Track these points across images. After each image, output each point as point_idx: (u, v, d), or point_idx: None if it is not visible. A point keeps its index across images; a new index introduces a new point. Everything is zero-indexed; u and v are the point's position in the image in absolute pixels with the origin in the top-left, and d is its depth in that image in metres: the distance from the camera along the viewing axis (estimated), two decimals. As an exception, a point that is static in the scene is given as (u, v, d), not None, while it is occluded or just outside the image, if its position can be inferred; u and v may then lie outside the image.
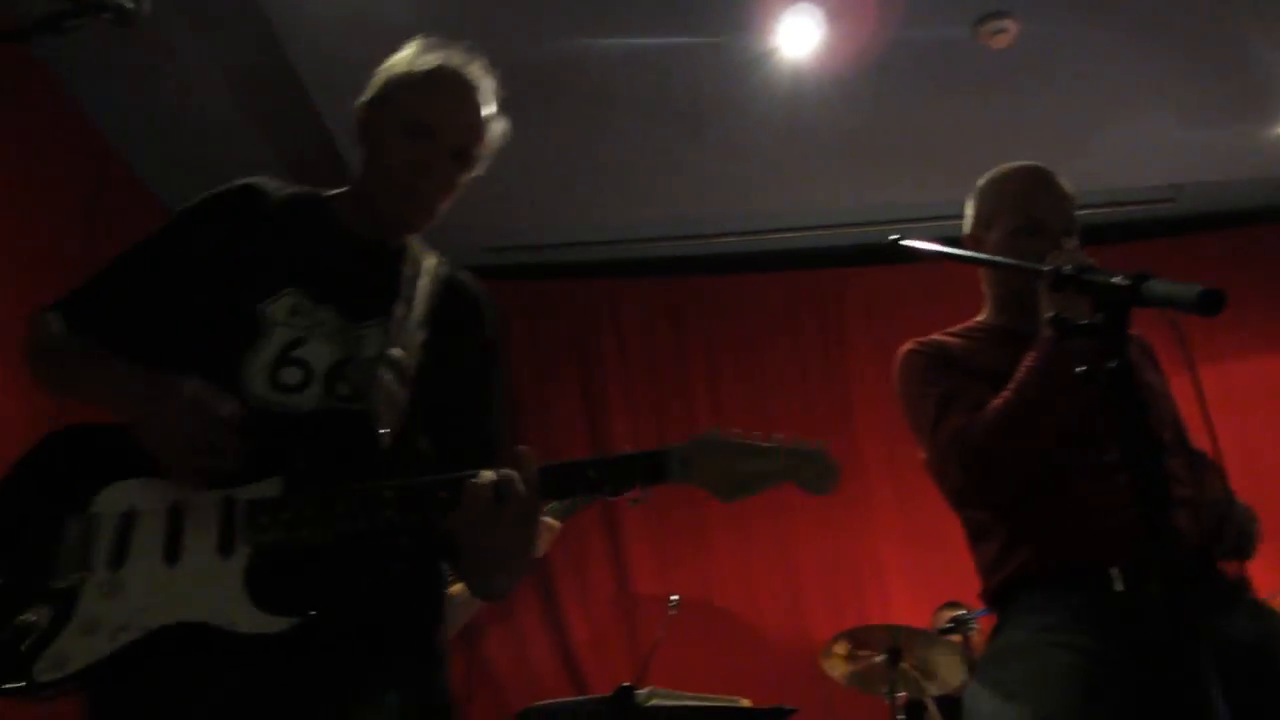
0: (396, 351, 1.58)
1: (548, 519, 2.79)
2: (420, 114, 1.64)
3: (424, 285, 1.68)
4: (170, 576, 1.39)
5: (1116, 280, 1.24)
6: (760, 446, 1.46)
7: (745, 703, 2.91)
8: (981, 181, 2.18)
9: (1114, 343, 1.23)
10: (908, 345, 2.10)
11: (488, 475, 1.38)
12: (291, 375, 1.52)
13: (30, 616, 1.38)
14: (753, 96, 4.23)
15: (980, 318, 2.18)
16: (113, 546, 1.41)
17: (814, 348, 5.16)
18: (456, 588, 2.83)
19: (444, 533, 1.43)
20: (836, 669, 3.67)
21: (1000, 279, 2.13)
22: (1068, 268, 1.36)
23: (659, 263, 5.46)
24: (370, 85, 1.72)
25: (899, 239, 1.94)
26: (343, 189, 1.74)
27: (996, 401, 1.87)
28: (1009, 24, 3.95)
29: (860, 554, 4.62)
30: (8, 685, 1.36)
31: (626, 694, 2.58)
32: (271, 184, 1.71)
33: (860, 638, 3.60)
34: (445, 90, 1.67)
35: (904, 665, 3.52)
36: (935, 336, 2.11)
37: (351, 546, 1.43)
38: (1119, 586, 1.76)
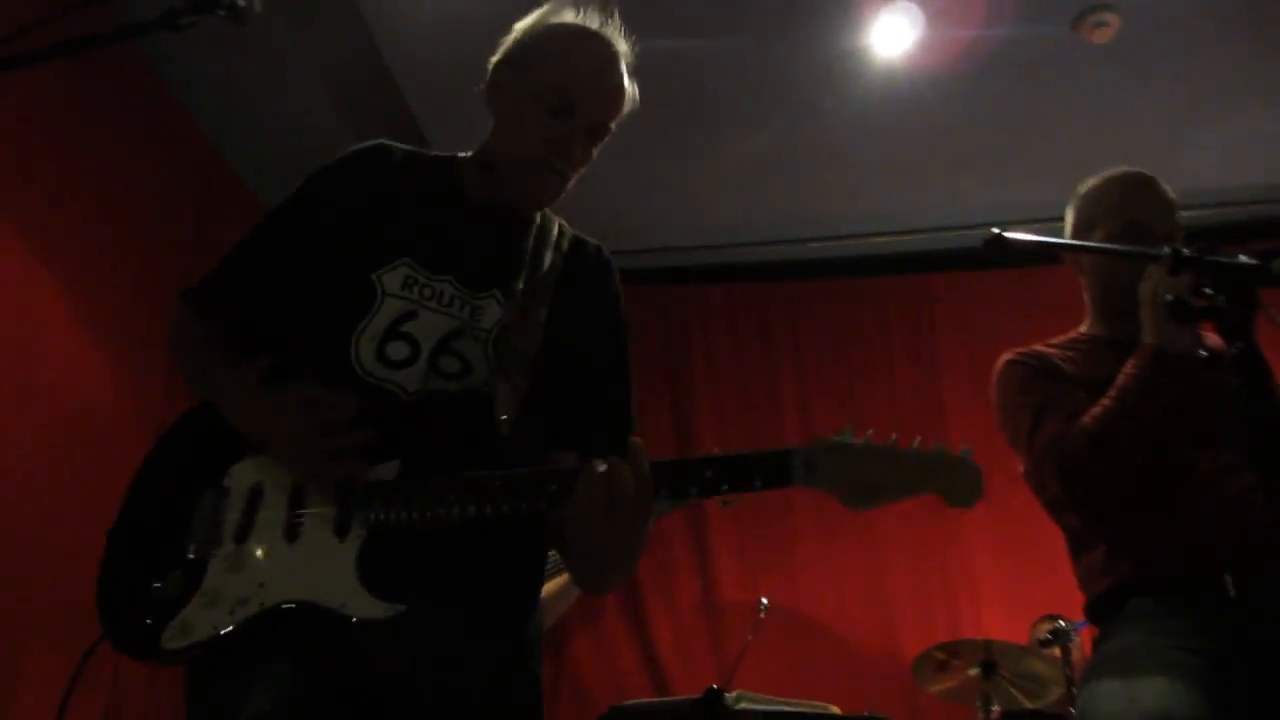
0: (521, 326, 1.54)
1: None
2: (562, 87, 1.55)
3: (548, 257, 1.63)
4: (288, 554, 1.41)
5: (1242, 259, 1.18)
6: (897, 452, 1.35)
7: (835, 710, 2.85)
8: (1081, 189, 2.14)
9: (1239, 325, 1.17)
10: (1007, 355, 2.07)
11: (600, 467, 1.32)
12: (398, 350, 1.49)
13: (163, 585, 1.42)
14: (844, 98, 4.18)
15: (1082, 329, 2.14)
16: (239, 521, 1.43)
17: (904, 354, 5.05)
18: (546, 588, 2.85)
19: (554, 524, 1.41)
20: (929, 682, 3.59)
21: (1101, 286, 2.09)
22: (1186, 250, 1.30)
23: (747, 268, 5.41)
24: (506, 43, 1.64)
25: (1000, 233, 1.90)
26: (469, 153, 1.67)
27: (1095, 409, 1.83)
28: (1110, 17, 3.82)
29: (953, 566, 4.51)
30: (141, 652, 1.41)
31: (715, 696, 2.55)
32: (400, 146, 1.68)
33: (953, 650, 3.51)
34: (588, 60, 1.58)
35: (999, 679, 3.42)
36: (1036, 347, 2.07)
37: (461, 533, 1.41)
38: (1233, 593, 1.70)
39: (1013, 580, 4.24)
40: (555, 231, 1.68)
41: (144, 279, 3.58)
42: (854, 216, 5.05)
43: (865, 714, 2.77)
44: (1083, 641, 3.21)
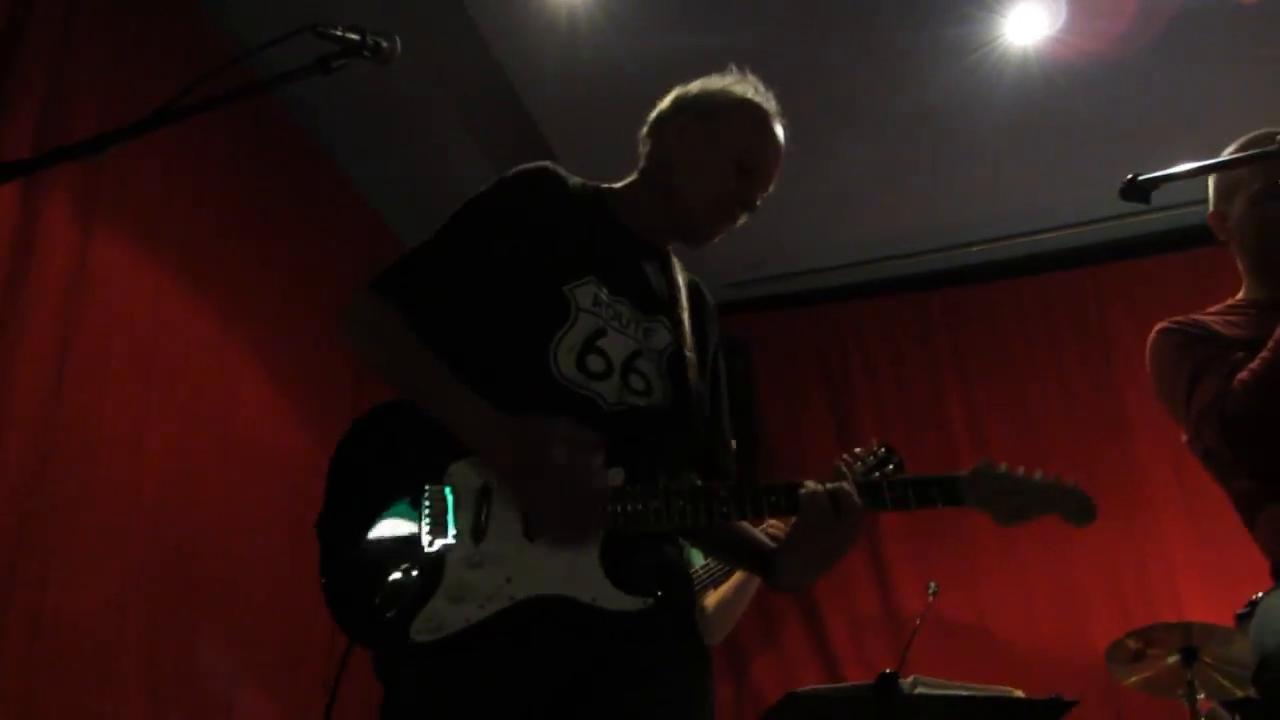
0: (690, 351, 1.72)
1: None
2: (755, 153, 1.78)
3: (683, 289, 1.81)
4: (532, 552, 1.49)
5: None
6: (1028, 482, 1.62)
7: (1018, 693, 2.75)
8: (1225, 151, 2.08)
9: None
10: (1161, 324, 2.04)
11: (816, 485, 1.54)
12: (596, 363, 1.61)
13: (401, 578, 1.48)
14: (981, 93, 4.12)
15: (1239, 295, 2.09)
16: (473, 520, 1.50)
17: (1074, 350, 4.89)
18: (711, 599, 2.88)
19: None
20: (1124, 673, 3.41)
21: (1253, 250, 2.05)
22: None
23: (901, 280, 5.36)
24: (688, 95, 1.84)
25: (1135, 176, 1.90)
26: (618, 185, 1.84)
27: (1253, 364, 1.79)
28: (1259, -28, 3.67)
29: (1146, 556, 4.33)
30: (390, 646, 1.49)
31: (890, 680, 2.51)
32: (562, 171, 1.82)
33: (1148, 637, 3.32)
34: (775, 141, 1.82)
35: (1202, 665, 3.22)
36: (1192, 315, 2.04)
37: (668, 539, 1.63)
38: None
39: (1213, 557, 4.00)
40: (677, 266, 1.86)
41: (313, 329, 3.86)
42: (1007, 215, 4.94)
43: (1051, 696, 2.66)
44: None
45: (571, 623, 1.48)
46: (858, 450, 2.89)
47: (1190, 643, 3.22)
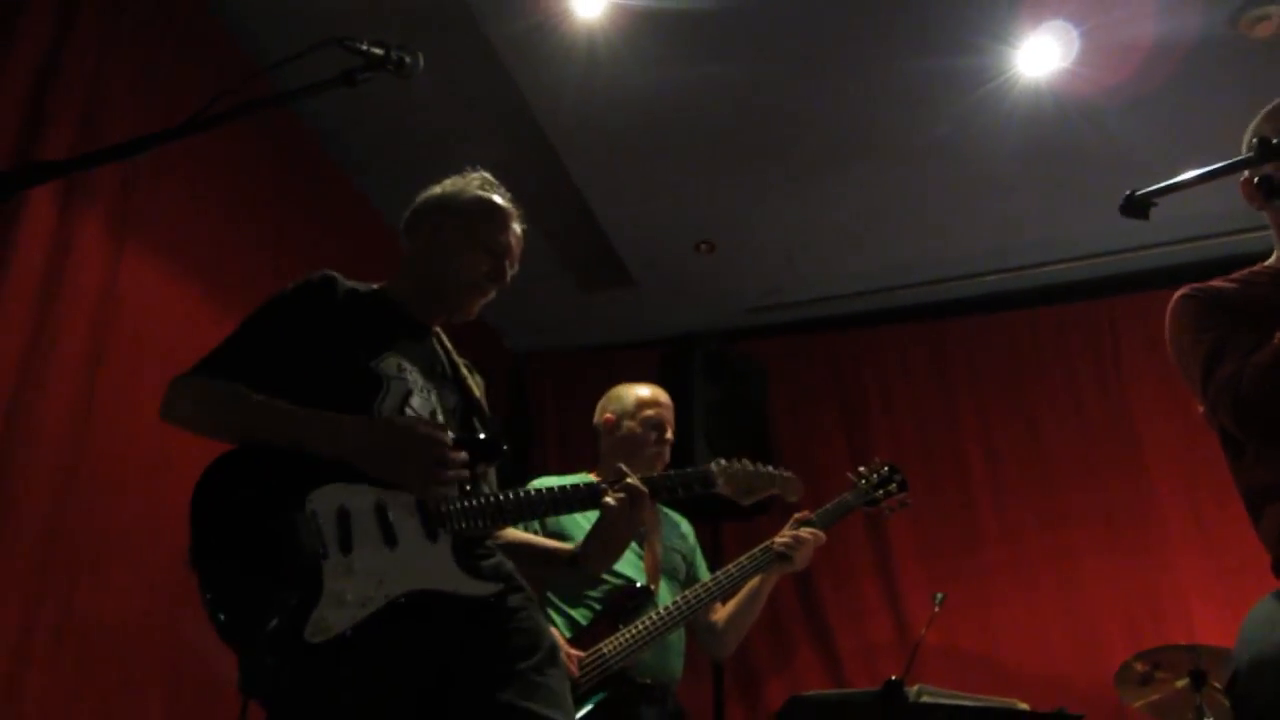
0: (476, 404, 2.11)
1: (814, 530, 2.84)
2: (495, 238, 2.13)
3: (457, 358, 2.19)
4: (394, 557, 1.77)
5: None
6: (757, 471, 2.35)
7: (1023, 706, 2.77)
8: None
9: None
10: (1181, 290, 1.96)
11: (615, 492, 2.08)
12: (412, 414, 1.92)
13: (286, 594, 1.67)
14: (994, 125, 4.16)
15: (1269, 261, 2.01)
16: (339, 536, 1.74)
17: (1090, 381, 4.91)
18: (721, 613, 2.92)
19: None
20: (1133, 696, 3.40)
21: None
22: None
23: (917, 309, 5.41)
24: (438, 197, 2.20)
25: (1133, 192, 1.92)
26: (386, 283, 2.14)
27: (1272, 343, 1.73)
28: (1273, 10, 3.73)
29: (1159, 581, 4.34)
30: (286, 652, 1.65)
31: (895, 688, 2.54)
32: (342, 277, 2.08)
33: (1156, 660, 3.32)
34: (509, 222, 2.18)
35: (1212, 690, 3.21)
36: (1212, 282, 1.96)
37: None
38: None
39: (1227, 583, 4.00)
40: (446, 341, 2.21)
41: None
42: (1022, 246, 4.99)
43: (1056, 710, 2.67)
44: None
45: (441, 610, 1.76)
46: (862, 469, 2.96)
47: (1199, 666, 3.21)
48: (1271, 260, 2.00)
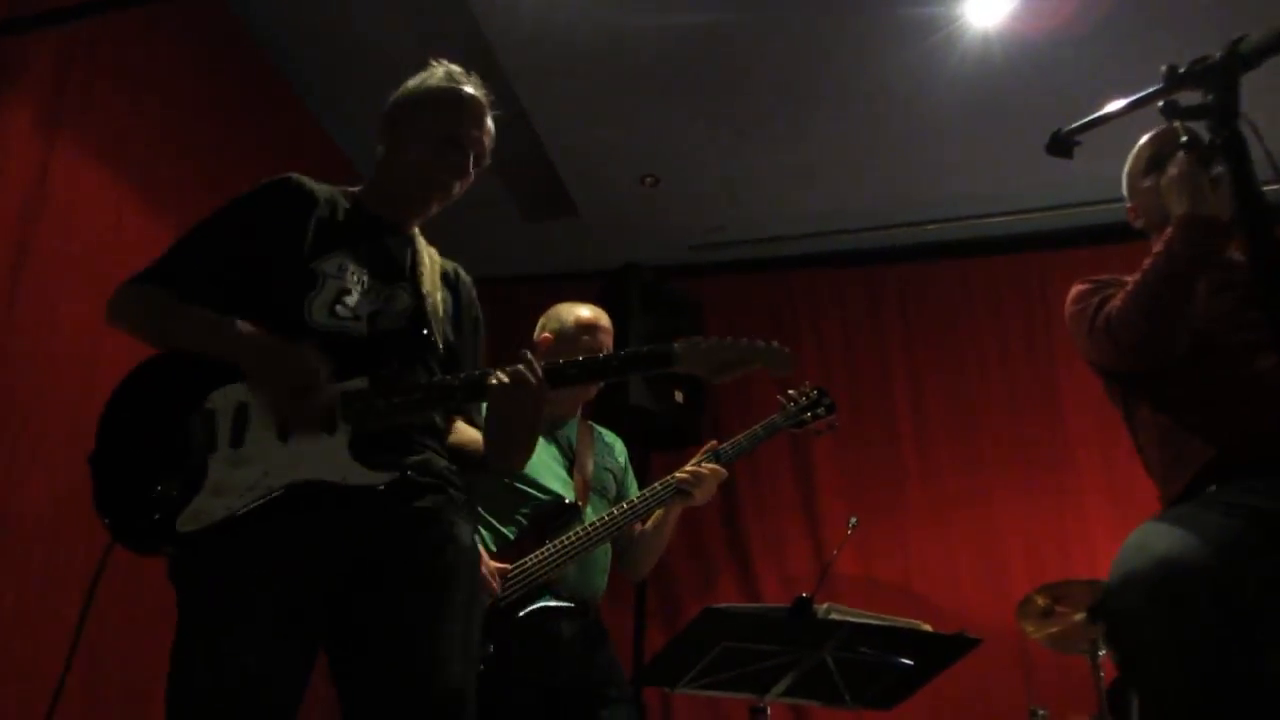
0: (432, 306, 2.01)
1: (715, 466, 2.86)
2: (453, 130, 2.04)
3: (429, 263, 2.09)
4: (285, 449, 1.76)
5: (1212, 59, 1.28)
6: (732, 344, 1.96)
7: (926, 627, 2.88)
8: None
9: (1225, 116, 1.26)
10: (1076, 284, 2.24)
11: (500, 374, 1.88)
12: (345, 313, 1.89)
13: (164, 486, 1.71)
14: (943, 74, 4.22)
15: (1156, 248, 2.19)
16: (231, 430, 1.76)
17: (1017, 333, 5.05)
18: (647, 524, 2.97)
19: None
20: (1035, 629, 3.55)
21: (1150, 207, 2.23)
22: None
23: (857, 254, 5.49)
24: (400, 92, 2.12)
25: (1060, 130, 1.99)
26: (360, 187, 2.11)
27: (1136, 275, 1.99)
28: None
29: (1068, 521, 4.54)
30: (158, 540, 1.70)
31: (805, 604, 2.64)
32: (309, 179, 2.05)
33: (1057, 593, 3.46)
34: (471, 112, 2.07)
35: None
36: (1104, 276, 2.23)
37: (419, 426, 1.91)
38: None
39: (1130, 524, 4.14)
40: (431, 249, 2.14)
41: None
42: (960, 197, 5.06)
43: (956, 632, 2.79)
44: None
45: (325, 501, 1.73)
46: (791, 392, 3.02)
47: (1098, 600, 3.29)
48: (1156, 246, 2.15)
